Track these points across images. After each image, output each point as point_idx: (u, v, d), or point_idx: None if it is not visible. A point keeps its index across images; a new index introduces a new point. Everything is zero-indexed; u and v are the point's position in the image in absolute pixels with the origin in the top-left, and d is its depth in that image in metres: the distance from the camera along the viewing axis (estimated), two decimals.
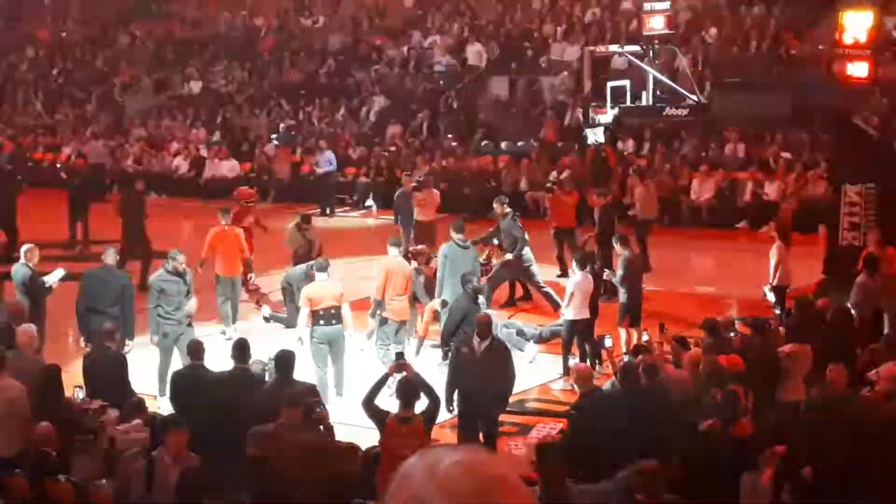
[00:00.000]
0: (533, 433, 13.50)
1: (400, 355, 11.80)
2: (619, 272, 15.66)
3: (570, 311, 15.15)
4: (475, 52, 32.73)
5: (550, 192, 20.43)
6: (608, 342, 14.93)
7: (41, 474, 10.21)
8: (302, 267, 16.55)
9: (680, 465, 10.58)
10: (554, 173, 26.93)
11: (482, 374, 12.18)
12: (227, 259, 17.58)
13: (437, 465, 2.31)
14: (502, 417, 13.03)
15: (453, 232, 16.41)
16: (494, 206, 18.23)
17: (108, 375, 12.57)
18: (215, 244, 17.74)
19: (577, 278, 15.27)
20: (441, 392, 11.61)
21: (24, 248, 16.01)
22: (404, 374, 11.02)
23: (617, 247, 16.15)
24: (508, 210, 17.86)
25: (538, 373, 15.71)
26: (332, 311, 14.28)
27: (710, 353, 12.32)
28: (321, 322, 14.25)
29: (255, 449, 10.02)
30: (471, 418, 12.36)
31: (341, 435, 11.58)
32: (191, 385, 12.06)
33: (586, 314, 15.17)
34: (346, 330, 14.49)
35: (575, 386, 12.23)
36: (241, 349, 12.18)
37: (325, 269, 14.74)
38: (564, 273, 18.81)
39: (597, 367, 14.81)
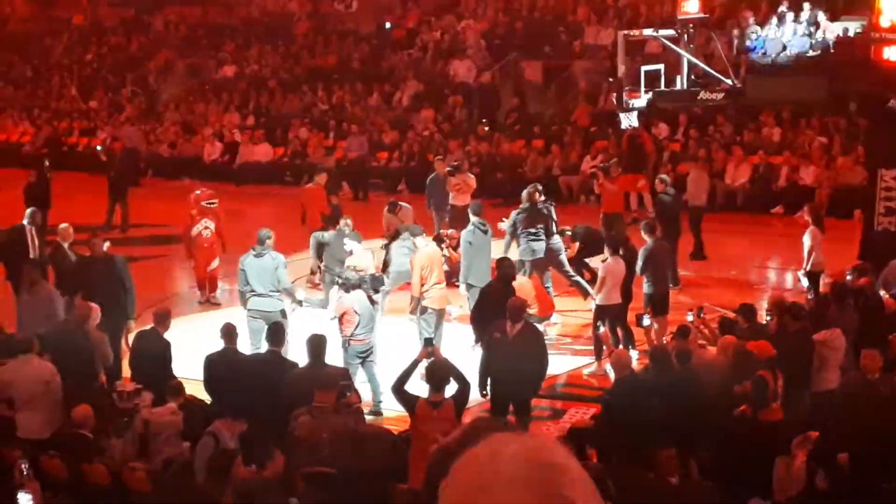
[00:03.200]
0: (566, 418, 13.49)
1: (429, 341, 11.80)
2: (639, 261, 15.58)
3: (601, 296, 15.14)
4: (465, 68, 32.25)
5: (595, 178, 20.27)
6: (646, 321, 14.95)
7: (77, 456, 10.31)
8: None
9: (712, 450, 10.58)
10: (587, 158, 26.87)
11: (515, 358, 12.17)
12: (309, 215, 19.07)
13: (500, 451, 2.32)
14: (535, 402, 13.03)
15: (472, 215, 16.44)
16: (527, 193, 18.08)
17: (153, 359, 12.68)
18: (304, 201, 19.48)
19: (608, 263, 15.25)
20: (473, 376, 11.63)
21: (60, 227, 16.21)
22: (433, 359, 11.03)
23: (643, 234, 16.08)
24: (541, 198, 17.74)
25: (571, 357, 15.72)
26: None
27: (743, 339, 12.28)
28: None
29: (295, 431, 10.06)
30: (503, 402, 12.36)
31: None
32: (224, 369, 12.11)
33: (617, 299, 15.13)
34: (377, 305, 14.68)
35: (610, 370, 12.20)
36: (275, 333, 12.24)
37: (356, 240, 15.48)
38: None
39: (631, 351, 14.79)
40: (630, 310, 15.54)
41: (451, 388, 10.53)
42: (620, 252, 15.36)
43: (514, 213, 17.25)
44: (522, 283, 15.44)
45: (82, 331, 12.86)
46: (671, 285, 17.78)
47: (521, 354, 12.19)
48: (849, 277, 15.15)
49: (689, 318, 14.18)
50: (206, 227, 18.50)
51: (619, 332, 15.22)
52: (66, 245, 15.97)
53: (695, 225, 20.50)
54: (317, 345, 11.62)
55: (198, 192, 19.30)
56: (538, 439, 2.37)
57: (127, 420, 11.50)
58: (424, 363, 11.24)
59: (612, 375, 11.98)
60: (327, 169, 20.45)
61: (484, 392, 12.45)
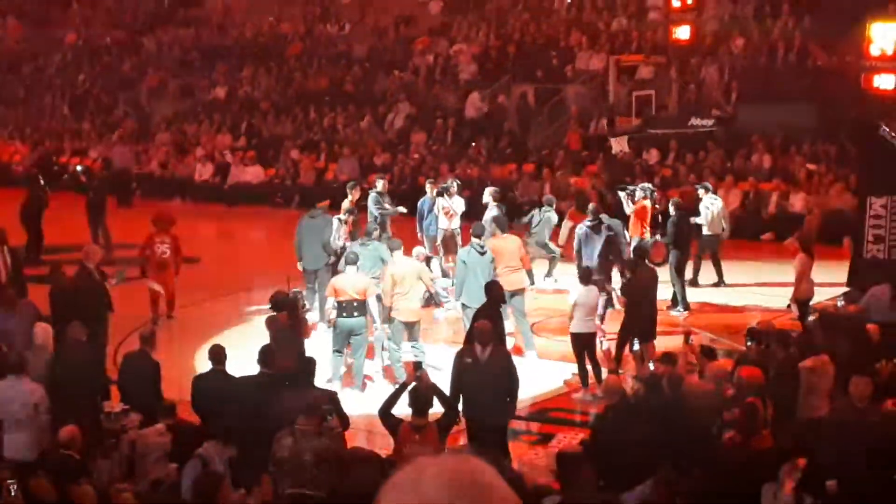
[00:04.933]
0: (553, 442, 13.47)
1: (418, 366, 11.80)
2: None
3: (574, 325, 15.14)
4: (474, 104, 32.20)
5: (626, 201, 20.24)
6: (604, 345, 15.08)
7: (64, 478, 10.26)
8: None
9: (701, 476, 10.56)
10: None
11: (486, 381, 12.12)
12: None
13: (422, 474, 2.31)
14: (523, 426, 13.00)
15: (473, 237, 16.58)
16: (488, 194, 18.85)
17: (142, 380, 12.65)
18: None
19: (579, 291, 15.29)
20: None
21: (85, 248, 16.28)
22: (418, 383, 11.02)
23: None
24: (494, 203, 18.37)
25: (559, 382, 15.71)
26: (354, 304, 14.93)
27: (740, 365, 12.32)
28: (343, 314, 14.92)
29: (277, 453, 10.05)
30: (478, 427, 12.29)
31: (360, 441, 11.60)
32: (213, 391, 12.07)
33: (590, 328, 15.14)
34: (375, 323, 15.23)
35: (599, 395, 12.18)
36: (266, 355, 12.22)
37: (353, 262, 15.40)
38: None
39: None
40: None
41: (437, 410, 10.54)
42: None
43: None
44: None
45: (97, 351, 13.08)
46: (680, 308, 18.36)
47: (492, 378, 12.15)
48: (840, 304, 15.20)
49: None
50: (164, 253, 18.30)
51: (591, 363, 15.19)
52: (91, 266, 15.86)
53: (711, 253, 20.32)
54: (304, 368, 11.60)
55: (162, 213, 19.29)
56: (461, 460, 2.36)
57: (114, 441, 11.47)
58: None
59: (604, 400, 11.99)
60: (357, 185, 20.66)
61: (457, 418, 12.39)
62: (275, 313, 14.12)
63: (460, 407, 12.24)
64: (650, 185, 21.09)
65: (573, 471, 9.28)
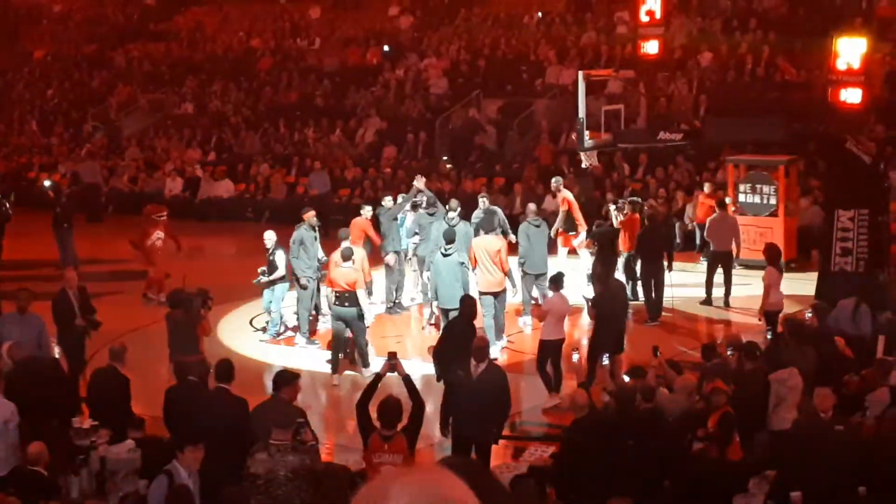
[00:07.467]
0: (525, 456, 13.48)
1: (393, 355, 11.71)
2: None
3: (545, 331, 15.19)
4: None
5: (622, 212, 20.21)
6: (604, 360, 15.14)
7: (33, 494, 10.21)
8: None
9: (672, 488, 10.61)
10: (549, 196, 26.96)
11: (479, 398, 12.13)
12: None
13: (388, 488, 2.32)
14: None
15: (445, 241, 16.96)
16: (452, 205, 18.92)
17: (111, 396, 12.61)
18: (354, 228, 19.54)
19: (551, 298, 15.34)
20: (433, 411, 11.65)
21: (66, 273, 16.82)
22: (386, 397, 11.00)
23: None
24: (452, 214, 18.45)
25: (531, 395, 15.72)
26: (346, 295, 16.26)
27: (707, 378, 12.37)
28: (336, 303, 16.41)
29: (251, 468, 10.02)
30: (465, 444, 12.29)
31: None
32: (185, 402, 12.04)
33: (559, 335, 15.20)
34: (367, 312, 16.52)
35: (565, 406, 12.19)
36: (224, 370, 12.24)
37: (348, 257, 16.49)
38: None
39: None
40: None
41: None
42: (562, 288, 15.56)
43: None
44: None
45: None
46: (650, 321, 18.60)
47: (484, 395, 12.15)
48: (808, 316, 15.30)
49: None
50: (158, 238, 21.20)
51: (553, 369, 15.22)
52: (70, 292, 15.94)
53: (714, 269, 20.35)
54: (278, 381, 11.58)
55: (148, 206, 22.86)
56: (429, 473, 2.37)
57: (83, 457, 11.41)
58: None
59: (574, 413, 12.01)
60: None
61: (445, 432, 12.42)
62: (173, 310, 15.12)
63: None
64: (639, 199, 21.13)
65: (524, 495, 9.33)
